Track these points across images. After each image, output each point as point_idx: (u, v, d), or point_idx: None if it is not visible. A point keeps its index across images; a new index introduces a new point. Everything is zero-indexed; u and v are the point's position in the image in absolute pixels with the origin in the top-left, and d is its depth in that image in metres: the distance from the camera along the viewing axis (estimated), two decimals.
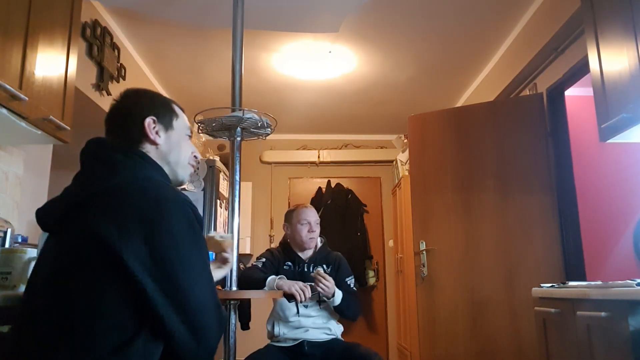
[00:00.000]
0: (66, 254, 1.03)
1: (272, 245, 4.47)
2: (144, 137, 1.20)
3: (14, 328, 1.09)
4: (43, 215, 1.13)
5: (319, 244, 2.54)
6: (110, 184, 1.07)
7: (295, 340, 2.35)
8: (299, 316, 2.37)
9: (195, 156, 1.33)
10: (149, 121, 1.20)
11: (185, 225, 1.06)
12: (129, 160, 1.14)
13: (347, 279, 2.48)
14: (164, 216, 1.03)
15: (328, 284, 2.27)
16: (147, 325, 1.00)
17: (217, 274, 1.53)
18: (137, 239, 0.99)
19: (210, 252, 1.58)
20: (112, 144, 1.19)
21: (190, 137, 1.32)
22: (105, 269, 0.98)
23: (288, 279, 2.27)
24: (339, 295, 2.33)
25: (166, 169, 1.23)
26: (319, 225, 2.51)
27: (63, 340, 0.97)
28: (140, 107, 1.23)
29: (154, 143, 1.21)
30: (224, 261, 1.58)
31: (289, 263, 2.48)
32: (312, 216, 2.49)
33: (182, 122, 1.29)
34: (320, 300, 2.39)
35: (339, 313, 2.39)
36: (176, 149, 1.25)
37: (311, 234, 2.46)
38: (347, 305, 2.36)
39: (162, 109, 1.26)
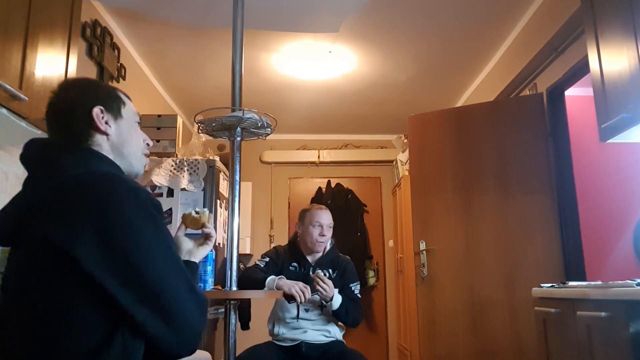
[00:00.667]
0: (24, 265, 0.98)
1: (273, 245, 4.46)
2: (92, 129, 1.12)
3: None
4: None
5: (328, 247, 2.49)
6: (51, 185, 1.00)
7: (294, 341, 2.34)
8: (298, 320, 2.35)
9: (147, 144, 1.26)
10: (96, 111, 1.12)
11: (139, 211, 0.98)
12: (71, 155, 1.06)
13: (351, 285, 2.44)
14: (113, 206, 0.95)
15: (325, 286, 2.24)
16: (125, 323, 0.94)
17: (202, 251, 1.43)
18: (87, 236, 0.92)
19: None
20: (53, 142, 1.11)
21: (139, 123, 1.25)
22: (64, 274, 0.93)
23: (292, 280, 2.22)
24: (337, 300, 2.30)
25: (119, 162, 1.16)
26: (331, 229, 2.46)
27: (40, 350, 0.93)
28: (85, 97, 1.14)
29: (104, 134, 1.13)
30: (207, 236, 1.48)
31: (295, 264, 2.44)
32: (325, 219, 2.45)
33: (129, 109, 1.22)
34: (322, 305, 2.36)
35: (337, 318, 2.36)
36: (128, 138, 1.18)
37: (322, 237, 2.41)
38: (345, 311, 2.33)
39: (108, 97, 1.18)
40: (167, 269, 0.98)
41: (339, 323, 2.46)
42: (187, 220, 1.49)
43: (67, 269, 0.92)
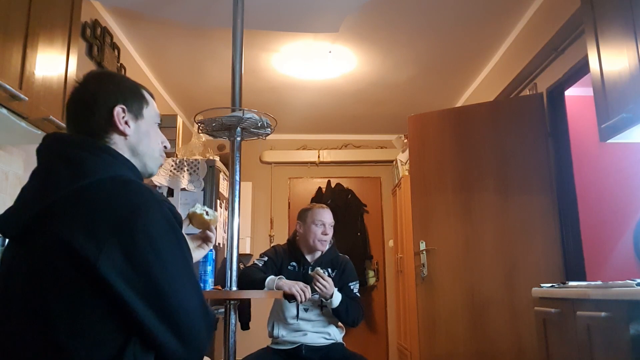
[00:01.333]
0: (38, 268, 0.95)
1: (272, 245, 4.46)
2: (111, 127, 1.10)
3: None
4: (6, 223, 1.02)
5: (327, 246, 2.48)
6: (76, 187, 0.98)
7: (294, 343, 2.33)
8: (298, 320, 2.35)
9: (165, 146, 1.23)
10: (118, 110, 1.10)
11: (164, 226, 0.99)
12: (96, 158, 1.04)
13: (350, 284, 2.44)
14: (139, 219, 0.95)
15: (325, 284, 2.23)
16: (135, 335, 0.94)
17: (197, 254, 1.40)
18: (112, 246, 0.92)
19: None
20: (76, 140, 1.08)
21: (160, 124, 1.23)
22: (82, 282, 0.91)
23: (291, 279, 2.23)
24: (337, 298, 2.29)
25: (135, 161, 1.14)
26: (332, 228, 2.46)
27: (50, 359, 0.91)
28: (108, 93, 1.12)
29: (122, 134, 1.11)
30: (207, 239, 1.42)
31: (294, 263, 2.44)
32: (327, 218, 2.44)
33: (152, 109, 1.19)
34: (322, 305, 2.36)
35: (337, 317, 2.35)
36: (145, 139, 1.16)
37: (325, 236, 2.41)
38: (345, 310, 2.32)
39: (132, 95, 1.15)
40: (185, 286, 1.00)
41: (339, 324, 2.45)
42: (195, 219, 1.43)
43: (87, 278, 0.91)
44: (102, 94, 1.12)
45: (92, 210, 0.95)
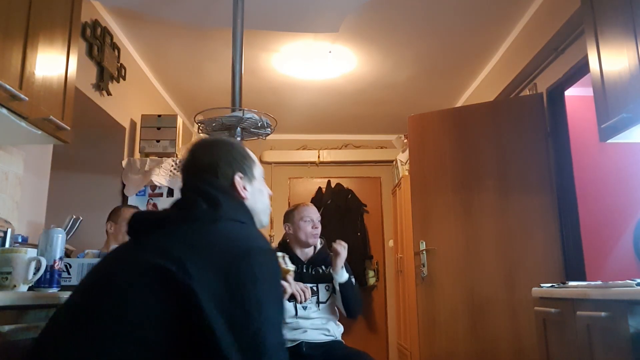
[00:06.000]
0: (132, 280, 0.99)
1: (273, 245, 4.47)
2: (234, 191, 1.21)
3: (44, 339, 1.01)
4: (136, 223, 1.13)
5: (319, 246, 2.53)
6: (206, 220, 1.09)
7: (294, 341, 2.34)
8: (297, 318, 2.37)
9: (270, 195, 1.35)
10: (237, 179, 1.22)
11: (269, 271, 1.05)
12: (230, 202, 1.15)
13: None
14: (249, 259, 1.01)
15: (345, 248, 2.34)
16: None
17: None
18: (213, 273, 0.96)
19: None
20: (216, 184, 1.20)
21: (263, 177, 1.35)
22: (169, 295, 0.94)
23: None
24: (345, 274, 2.36)
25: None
26: (320, 223, 2.51)
27: None
28: (228, 163, 1.23)
29: (243, 198, 1.22)
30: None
31: None
32: (314, 213, 2.49)
33: (259, 167, 1.31)
34: (319, 302, 2.39)
35: (343, 295, 2.37)
36: (259, 196, 1.28)
37: (315, 229, 2.46)
38: (352, 286, 2.37)
39: (245, 161, 1.27)
40: (275, 329, 1.03)
41: (338, 322, 2.47)
42: None
43: (175, 293, 0.93)
44: (225, 164, 1.23)
45: (210, 244, 1.03)
